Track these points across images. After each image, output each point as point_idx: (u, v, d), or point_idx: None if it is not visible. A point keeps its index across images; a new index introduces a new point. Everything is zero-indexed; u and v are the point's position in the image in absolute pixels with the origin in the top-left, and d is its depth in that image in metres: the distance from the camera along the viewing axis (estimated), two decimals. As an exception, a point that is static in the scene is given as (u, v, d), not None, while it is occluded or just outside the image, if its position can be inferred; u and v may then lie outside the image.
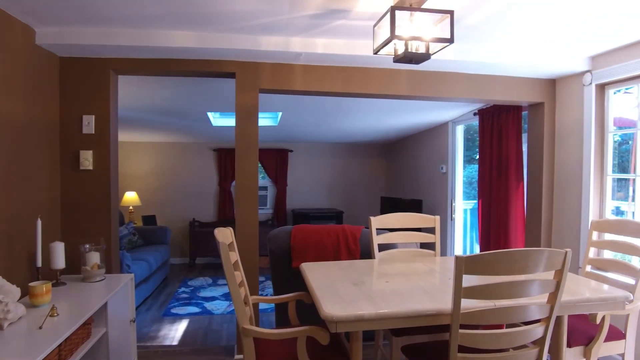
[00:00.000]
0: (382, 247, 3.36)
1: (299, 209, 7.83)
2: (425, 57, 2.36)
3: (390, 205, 6.90)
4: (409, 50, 2.31)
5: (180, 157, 7.55)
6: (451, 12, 2.21)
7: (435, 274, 2.65)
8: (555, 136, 3.86)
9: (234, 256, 2.46)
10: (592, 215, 3.47)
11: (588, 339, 2.46)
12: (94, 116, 3.16)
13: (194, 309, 4.92)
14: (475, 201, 6.03)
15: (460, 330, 1.85)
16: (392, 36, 2.20)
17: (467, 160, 5.79)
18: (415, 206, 6.26)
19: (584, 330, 2.53)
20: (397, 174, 7.72)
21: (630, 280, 2.60)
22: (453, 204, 5.68)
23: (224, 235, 2.47)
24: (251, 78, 3.36)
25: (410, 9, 2.23)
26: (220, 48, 3.02)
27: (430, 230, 3.34)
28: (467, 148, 5.78)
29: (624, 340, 2.51)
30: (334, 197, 8.17)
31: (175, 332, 4.20)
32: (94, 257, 2.84)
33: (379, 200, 7.99)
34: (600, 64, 3.38)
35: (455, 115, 5.57)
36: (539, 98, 3.82)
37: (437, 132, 6.14)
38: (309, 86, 3.45)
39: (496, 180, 4.47)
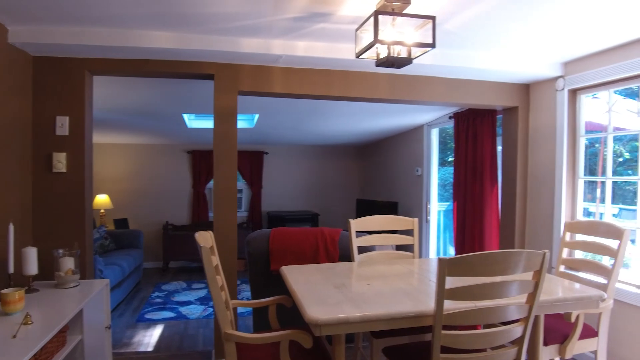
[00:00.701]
0: (361, 250, 3.37)
1: (274, 212, 7.80)
2: (407, 61, 2.39)
3: (365, 207, 6.94)
4: (392, 54, 2.34)
5: (153, 159, 7.42)
6: (433, 18, 2.24)
7: (415, 275, 2.68)
8: (528, 139, 3.96)
9: (215, 260, 2.43)
10: (565, 216, 3.57)
11: (563, 337, 2.53)
12: (68, 117, 3.08)
13: (168, 314, 4.84)
14: (448, 203, 6.13)
15: (443, 331, 1.87)
16: (376, 40, 2.22)
17: (440, 163, 5.88)
18: (390, 208, 6.32)
19: (559, 329, 2.60)
20: (373, 176, 7.78)
21: (601, 280, 2.69)
22: (428, 206, 5.76)
23: (205, 239, 2.43)
24: (230, 80, 3.33)
25: (393, 13, 2.26)
26: (199, 49, 2.99)
27: (407, 232, 3.38)
28: (440, 151, 5.87)
29: (596, 338, 2.59)
30: (309, 200, 8.17)
31: (150, 337, 4.12)
32: (68, 263, 2.76)
33: (354, 203, 8.02)
34: (573, 70, 3.49)
35: (430, 119, 5.65)
36: (513, 102, 3.91)
37: (413, 135, 6.21)
38: (289, 89, 3.45)
39: (471, 183, 4.55)
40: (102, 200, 6.77)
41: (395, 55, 2.35)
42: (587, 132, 3.58)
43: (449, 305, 1.89)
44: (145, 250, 7.02)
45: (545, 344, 2.47)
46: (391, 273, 2.74)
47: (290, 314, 3.01)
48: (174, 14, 2.58)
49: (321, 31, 2.88)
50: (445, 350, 1.90)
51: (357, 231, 3.19)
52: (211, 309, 5.03)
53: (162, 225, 7.16)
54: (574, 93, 3.57)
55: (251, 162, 7.71)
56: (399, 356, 2.32)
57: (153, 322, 4.56)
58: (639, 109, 3.12)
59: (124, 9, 2.49)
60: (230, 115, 3.37)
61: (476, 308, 1.91)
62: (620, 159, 4.11)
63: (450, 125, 5.45)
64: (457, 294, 1.86)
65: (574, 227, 3.02)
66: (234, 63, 3.31)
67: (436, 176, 5.81)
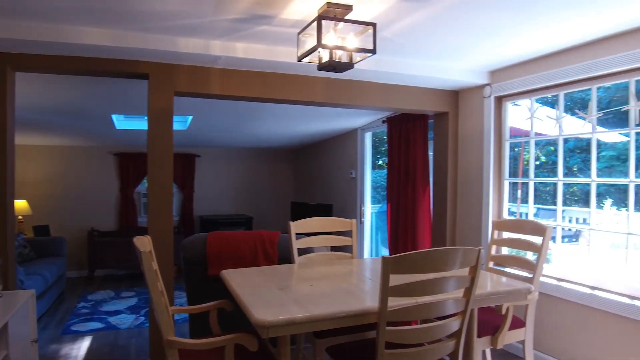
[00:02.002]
0: (301, 252, 3.39)
1: (207, 216, 7.64)
2: (349, 66, 2.44)
3: (300, 210, 6.97)
4: (333, 58, 2.38)
5: (77, 161, 7.01)
6: (374, 25, 2.32)
7: (356, 275, 2.74)
8: (458, 143, 4.17)
9: (154, 265, 2.36)
10: (492, 215, 3.80)
11: (494, 329, 2.69)
12: (-14, 116, 2.85)
13: (97, 325, 4.59)
14: (379, 205, 6.32)
15: (387, 328, 1.93)
16: (318, 44, 2.25)
17: (372, 166, 6.05)
18: (325, 210, 6.40)
19: (490, 321, 2.76)
20: (308, 179, 7.84)
21: (526, 274, 2.89)
22: (362, 208, 5.89)
23: (143, 243, 2.35)
24: (166, 80, 3.23)
25: (335, 19, 2.31)
26: (134, 47, 2.88)
27: (342, 234, 3.44)
28: (372, 154, 6.04)
29: (524, 328, 2.78)
30: (243, 203, 8.08)
31: (78, 350, 3.88)
32: (-12, 273, 2.55)
33: (289, 205, 8.04)
34: (499, 79, 3.73)
35: (364, 123, 5.80)
36: (443, 108, 4.11)
37: (347, 139, 6.34)
38: (227, 90, 3.41)
39: (404, 185, 4.71)
40: (19, 205, 6.29)
41: (337, 60, 2.40)
42: (512, 136, 3.84)
43: (392, 302, 1.95)
44: (69, 259, 6.61)
45: (479, 335, 2.62)
46: (332, 273, 2.79)
47: (231, 318, 2.97)
48: (110, 10, 2.47)
49: (261, 33, 2.87)
50: (388, 345, 1.96)
51: (296, 233, 3.21)
52: (143, 318, 4.83)
53: (87, 231, 6.78)
54: (499, 100, 3.81)
55: (183, 165, 7.50)
56: (342, 355, 2.36)
57: (80, 334, 4.31)
58: (557, 115, 3.39)
59: (54, 2, 2.35)
60: (166, 116, 3.27)
61: (417, 304, 1.99)
62: (537, 162, 4.45)
63: (382, 129, 5.62)
64: (401, 290, 1.93)
65: (501, 225, 3.22)
66: (170, 63, 3.22)
67: (369, 179, 5.96)
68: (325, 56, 2.45)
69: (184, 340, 2.09)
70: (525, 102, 3.73)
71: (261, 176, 8.22)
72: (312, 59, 2.53)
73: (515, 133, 3.90)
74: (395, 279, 1.91)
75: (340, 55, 2.43)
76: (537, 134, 3.65)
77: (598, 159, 5.13)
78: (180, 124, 5.74)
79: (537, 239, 2.87)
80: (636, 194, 2.92)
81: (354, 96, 3.78)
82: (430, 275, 1.94)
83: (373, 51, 2.36)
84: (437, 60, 3.50)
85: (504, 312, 2.64)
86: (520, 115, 3.85)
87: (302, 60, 2.51)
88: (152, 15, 2.54)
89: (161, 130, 3.26)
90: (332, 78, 3.69)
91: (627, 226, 2.92)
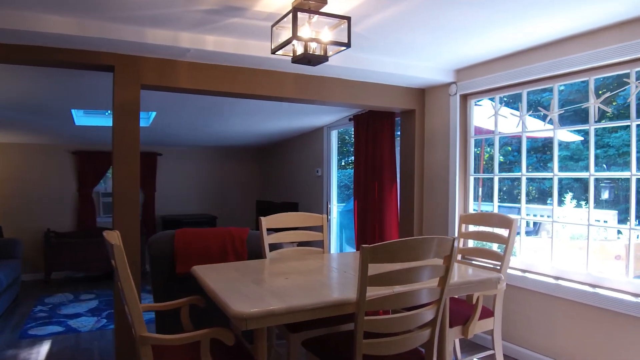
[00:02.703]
0: (271, 247, 3.37)
1: (170, 215, 7.48)
2: (323, 59, 2.45)
3: (266, 208, 6.93)
4: (309, 51, 2.38)
5: (33, 160, 6.70)
6: (348, 19, 2.33)
7: (329, 269, 2.74)
8: (425, 140, 4.25)
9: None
10: (459, 211, 3.89)
11: (465, 319, 2.75)
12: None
13: (56, 329, 4.41)
14: (343, 204, 6.37)
15: (365, 317, 1.94)
16: (294, 37, 2.25)
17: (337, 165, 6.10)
18: (291, 209, 6.38)
19: (460, 311, 2.83)
20: (273, 177, 7.79)
21: (493, 265, 2.97)
22: (329, 206, 5.91)
23: (113, 237, 2.27)
24: (132, 73, 3.14)
25: (311, 11, 2.31)
26: (99, 38, 2.78)
27: (311, 229, 3.44)
28: (338, 152, 6.08)
29: (492, 318, 2.85)
30: (206, 203, 7.95)
31: (37, 354, 3.71)
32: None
33: (254, 204, 7.97)
34: (464, 77, 3.82)
35: (330, 121, 5.82)
36: (411, 105, 4.18)
37: (313, 137, 6.35)
38: (196, 84, 3.34)
39: (371, 182, 4.76)
40: (-32, 206, 5.96)
41: (312, 53, 2.40)
42: (476, 134, 3.95)
43: (369, 292, 1.96)
44: (24, 261, 6.30)
45: (450, 325, 2.67)
46: (306, 267, 2.78)
47: (203, 315, 2.92)
48: (74, -3, 2.38)
49: (233, 26, 2.84)
50: (366, 335, 1.97)
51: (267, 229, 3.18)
52: (105, 320, 4.67)
53: (44, 232, 6.49)
54: (465, 98, 3.91)
55: (144, 164, 7.29)
56: (319, 347, 2.36)
57: (39, 338, 4.12)
58: (520, 113, 3.51)
59: (15, -14, 2.24)
60: (132, 110, 3.18)
61: (394, 293, 2.01)
62: (501, 159, 4.59)
63: (348, 127, 5.67)
64: (379, 280, 1.95)
65: (469, 219, 3.30)
66: (137, 55, 3.14)
67: (336, 176, 5.99)
68: (299, 49, 2.44)
69: (159, 335, 2.04)
70: (486, 102, 3.84)
71: (226, 175, 8.11)
72: (286, 52, 2.52)
73: (477, 132, 4.00)
74: (372, 269, 1.93)
75: (315, 49, 2.43)
76: (499, 133, 3.76)
77: (552, 159, 5.35)
78: (142, 120, 5.59)
79: (504, 232, 2.96)
80: (595, 187, 3.06)
81: (323, 93, 3.79)
82: (406, 265, 1.97)
83: (348, 44, 2.37)
84: (406, 58, 3.56)
85: (474, 302, 2.70)
86: (482, 114, 3.96)
87: (276, 53, 2.50)
88: (118, 3, 2.46)
89: (127, 125, 3.16)
90: (302, 74, 3.69)
91: (587, 218, 3.05)
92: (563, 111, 3.26)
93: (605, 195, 5.49)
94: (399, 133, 4.56)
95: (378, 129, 4.66)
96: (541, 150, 6.05)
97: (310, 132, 6.43)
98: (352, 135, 7.88)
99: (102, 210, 7.27)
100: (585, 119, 3.09)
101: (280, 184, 7.49)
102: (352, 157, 7.45)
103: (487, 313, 2.87)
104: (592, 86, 3.00)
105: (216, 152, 8.03)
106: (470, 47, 3.27)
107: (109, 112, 5.39)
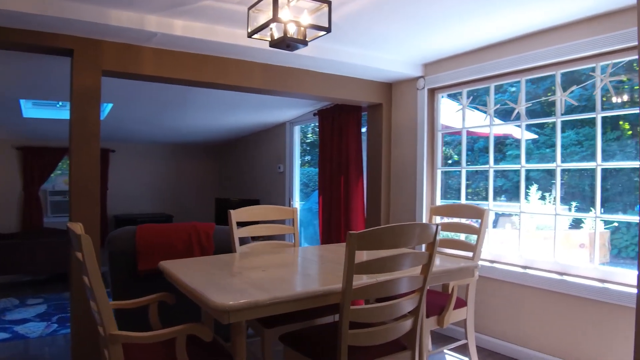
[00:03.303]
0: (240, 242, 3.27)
1: (123, 215, 7.17)
2: (303, 43, 2.38)
3: (226, 206, 6.77)
4: (288, 35, 2.30)
5: (-30, 157, 6.24)
6: (329, 3, 2.27)
7: (306, 260, 2.68)
8: (391, 134, 4.26)
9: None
10: (426, 203, 3.91)
11: (440, 309, 2.75)
12: None
13: (1, 335, 4.09)
14: (302, 202, 6.31)
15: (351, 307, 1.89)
16: (275, 19, 2.17)
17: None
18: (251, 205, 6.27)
19: (434, 301, 2.83)
20: (233, 174, 7.61)
21: (465, 255, 2.98)
22: (292, 202, 5.83)
23: (77, 229, 2.11)
24: (93, 57, 2.95)
25: (291, -7, 2.23)
26: (58, 17, 2.58)
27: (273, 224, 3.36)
28: (301, 149, 6.02)
29: (465, 308, 2.87)
30: (162, 201, 7.67)
31: (-18, 363, 3.42)
32: None
33: (213, 202, 7.76)
34: (432, 71, 3.85)
35: (293, 116, 5.75)
36: (378, 99, 4.17)
37: (274, 133, 6.25)
38: (160, 72, 3.19)
39: (337, 177, 4.72)
40: None
41: (291, 37, 2.32)
42: (444, 128, 3.99)
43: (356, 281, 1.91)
44: (-39, 265, 5.84)
45: (427, 316, 2.66)
46: (281, 260, 2.70)
47: (170, 314, 2.77)
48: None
49: (203, 10, 2.72)
50: (350, 326, 1.91)
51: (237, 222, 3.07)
52: (56, 325, 4.39)
53: (-16, 234, 6.05)
54: (432, 92, 3.94)
55: (96, 161, 6.94)
56: (298, 341, 2.28)
57: (-18, 346, 3.81)
58: (488, 107, 3.57)
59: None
60: (92, 98, 2.98)
61: (378, 282, 1.96)
62: (450, 161, 4.67)
63: (312, 122, 5.62)
64: (365, 268, 1.90)
65: (439, 210, 3.32)
66: (98, 38, 2.95)
67: (298, 173, 5.93)
68: (277, 33, 2.37)
69: (132, 333, 1.89)
70: (446, 101, 3.89)
71: (182, 173, 7.86)
72: (262, 35, 2.43)
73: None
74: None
75: (293, 33, 2.36)
76: (447, 127, 3.82)
77: (505, 157, 5.52)
78: (96, 113, 5.30)
79: (472, 223, 2.99)
80: (549, 183, 3.15)
81: (291, 84, 3.71)
82: (383, 253, 1.93)
83: (328, 29, 2.32)
84: (376, 50, 3.55)
85: (450, 291, 2.70)
86: (446, 110, 4.01)
87: (253, 37, 2.41)
88: (83, -21, 2.30)
89: (87, 114, 2.96)
90: (271, 64, 3.60)
91: (555, 208, 3.13)
92: (530, 104, 3.34)
93: (533, 188, 5.74)
94: (364, 128, 4.55)
95: (344, 123, 4.63)
96: (498, 148, 6.25)
97: (272, 128, 6.32)
98: (311, 134, 7.86)
99: (50, 210, 6.86)
100: (542, 115, 3.18)
101: (240, 181, 7.33)
102: (310, 156, 7.42)
103: (460, 303, 2.88)
104: (558, 80, 3.08)
105: (173, 149, 7.77)
106: (438, 40, 3.29)
107: (61, 103, 5.08)
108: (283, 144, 6.02)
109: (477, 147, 6.05)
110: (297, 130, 5.89)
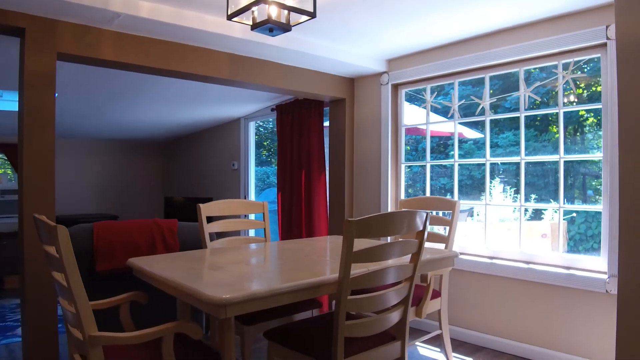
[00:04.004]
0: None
1: (63, 216, 6.67)
2: (286, 27, 2.30)
3: (176, 205, 6.50)
4: (272, 17, 2.22)
5: None
6: (315, -15, 2.22)
7: (287, 253, 2.59)
8: (354, 129, 4.25)
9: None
10: (391, 197, 3.94)
11: (417, 300, 2.76)
12: None
13: None
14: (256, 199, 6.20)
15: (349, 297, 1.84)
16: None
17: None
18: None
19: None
20: (183, 172, 7.27)
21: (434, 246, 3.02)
22: (248, 199, 5.69)
23: (46, 220, 1.90)
24: (48, 38, 2.70)
25: (277, -25, 2.15)
26: (8, -9, 2.34)
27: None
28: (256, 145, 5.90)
29: (439, 298, 2.90)
30: (105, 201, 7.22)
31: None
32: None
33: (162, 201, 7.41)
34: (396, 67, 3.89)
35: (248, 112, 5.61)
36: (341, 94, 4.16)
37: (228, 128, 6.07)
38: (121, 57, 2.98)
39: (297, 173, 4.65)
40: None
41: (276, 19, 2.24)
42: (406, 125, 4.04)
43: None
44: None
45: (407, 306, 2.66)
46: (261, 254, 2.61)
47: (144, 314, 2.58)
48: None
49: (174, -9, 2.57)
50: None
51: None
52: (9, 335, 3.99)
53: None
54: (396, 87, 3.98)
55: (29, 159, 6.42)
56: (285, 337, 2.19)
57: None
58: (453, 102, 3.65)
59: None
60: (47, 83, 2.73)
61: (373, 270, 1.92)
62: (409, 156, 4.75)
63: (268, 118, 5.52)
64: (362, 256, 1.86)
65: (409, 203, 3.34)
66: (53, 18, 2.70)
67: (254, 170, 5.79)
68: (259, 16, 2.28)
69: (116, 334, 1.73)
70: (420, 90, 3.96)
71: (128, 171, 7.44)
72: (241, 19, 2.33)
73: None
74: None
75: (276, 17, 2.28)
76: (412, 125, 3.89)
77: (447, 157, 5.68)
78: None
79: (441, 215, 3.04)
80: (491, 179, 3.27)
81: (256, 75, 3.61)
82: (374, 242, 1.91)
83: (313, 14, 2.26)
84: (341, 43, 3.53)
85: (429, 281, 2.72)
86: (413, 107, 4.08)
87: (233, 20, 2.30)
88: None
89: (41, 100, 2.71)
90: (237, 55, 3.48)
91: (520, 199, 3.25)
92: (495, 99, 3.46)
93: (495, 182, 6.00)
94: (326, 123, 4.52)
95: (305, 118, 4.58)
96: (440, 149, 6.45)
97: (225, 124, 6.14)
98: (264, 132, 7.74)
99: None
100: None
101: (191, 179, 7.03)
102: (263, 156, 7.29)
103: (435, 294, 2.91)
104: (522, 76, 3.20)
105: (117, 145, 7.34)
106: (403, 35, 3.32)
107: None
108: (237, 140, 5.86)
109: (422, 146, 6.22)
110: (252, 126, 5.76)
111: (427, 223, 2.09)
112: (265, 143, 7.90)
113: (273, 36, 2.40)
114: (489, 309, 3.33)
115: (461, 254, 3.52)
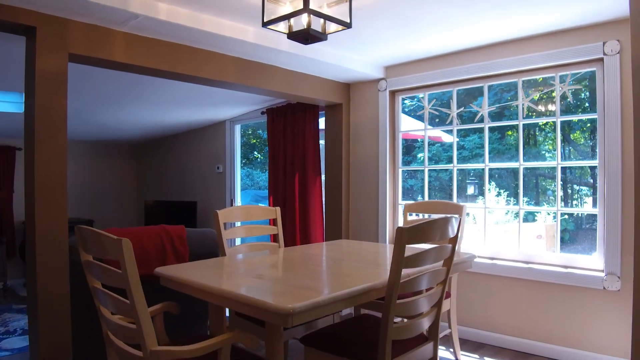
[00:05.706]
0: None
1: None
2: (323, 37, 2.34)
3: (158, 209, 6.32)
4: (312, 27, 2.25)
5: None
6: (349, -4, 2.27)
7: (315, 259, 2.61)
8: (350, 134, 4.32)
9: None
10: (389, 202, 4.04)
11: (434, 301, 2.86)
12: None
13: None
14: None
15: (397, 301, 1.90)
16: (306, 9, 2.11)
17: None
18: (188, 208, 5.93)
19: (427, 294, 2.93)
20: (165, 175, 6.97)
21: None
22: (234, 203, 5.63)
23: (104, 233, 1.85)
24: (58, 38, 2.59)
25: (317, -15, 2.19)
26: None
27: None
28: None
29: (449, 299, 3.02)
30: (80, 205, 6.86)
31: None
32: None
33: (141, 205, 7.12)
34: (394, 74, 3.99)
35: (235, 114, 5.55)
36: (338, 99, 4.22)
37: (212, 131, 5.97)
38: (132, 59, 2.90)
39: (290, 177, 4.65)
40: None
41: (314, 29, 2.27)
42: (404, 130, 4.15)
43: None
44: None
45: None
46: (290, 261, 2.58)
47: (172, 324, 2.53)
48: None
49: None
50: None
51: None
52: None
53: None
54: (393, 94, 4.08)
55: (-2, 160, 6.04)
56: (321, 341, 2.22)
57: None
58: (452, 109, 3.79)
59: None
60: (59, 83, 2.62)
61: (419, 274, 1.99)
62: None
63: (255, 121, 5.48)
64: (411, 262, 1.92)
65: (415, 207, 3.44)
66: (64, 17, 2.60)
67: (239, 173, 5.74)
68: (296, 25, 2.30)
69: (175, 348, 1.70)
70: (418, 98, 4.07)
71: (104, 174, 7.10)
72: (276, 26, 2.35)
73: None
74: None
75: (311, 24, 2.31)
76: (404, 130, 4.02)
77: (442, 159, 5.88)
78: (10, 104, 4.64)
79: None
80: (493, 176, 3.46)
81: (259, 80, 3.61)
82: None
83: (349, 24, 2.30)
84: (342, 49, 3.58)
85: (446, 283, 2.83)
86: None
87: (268, 27, 2.31)
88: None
89: (53, 101, 2.60)
90: (242, 59, 3.47)
91: (519, 202, 3.42)
92: (494, 108, 3.62)
93: (470, 190, 6.23)
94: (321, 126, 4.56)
95: (300, 122, 4.59)
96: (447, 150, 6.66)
97: (210, 127, 6.03)
98: (246, 135, 7.64)
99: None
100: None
101: (174, 182, 6.78)
102: (244, 158, 7.20)
103: (446, 294, 3.03)
104: (520, 86, 3.38)
105: (94, 147, 7.00)
106: (405, 43, 3.41)
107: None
108: (222, 143, 5.77)
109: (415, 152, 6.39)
110: (237, 129, 5.70)
111: (461, 227, 2.18)
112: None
113: (307, 44, 2.43)
114: (491, 307, 3.48)
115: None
